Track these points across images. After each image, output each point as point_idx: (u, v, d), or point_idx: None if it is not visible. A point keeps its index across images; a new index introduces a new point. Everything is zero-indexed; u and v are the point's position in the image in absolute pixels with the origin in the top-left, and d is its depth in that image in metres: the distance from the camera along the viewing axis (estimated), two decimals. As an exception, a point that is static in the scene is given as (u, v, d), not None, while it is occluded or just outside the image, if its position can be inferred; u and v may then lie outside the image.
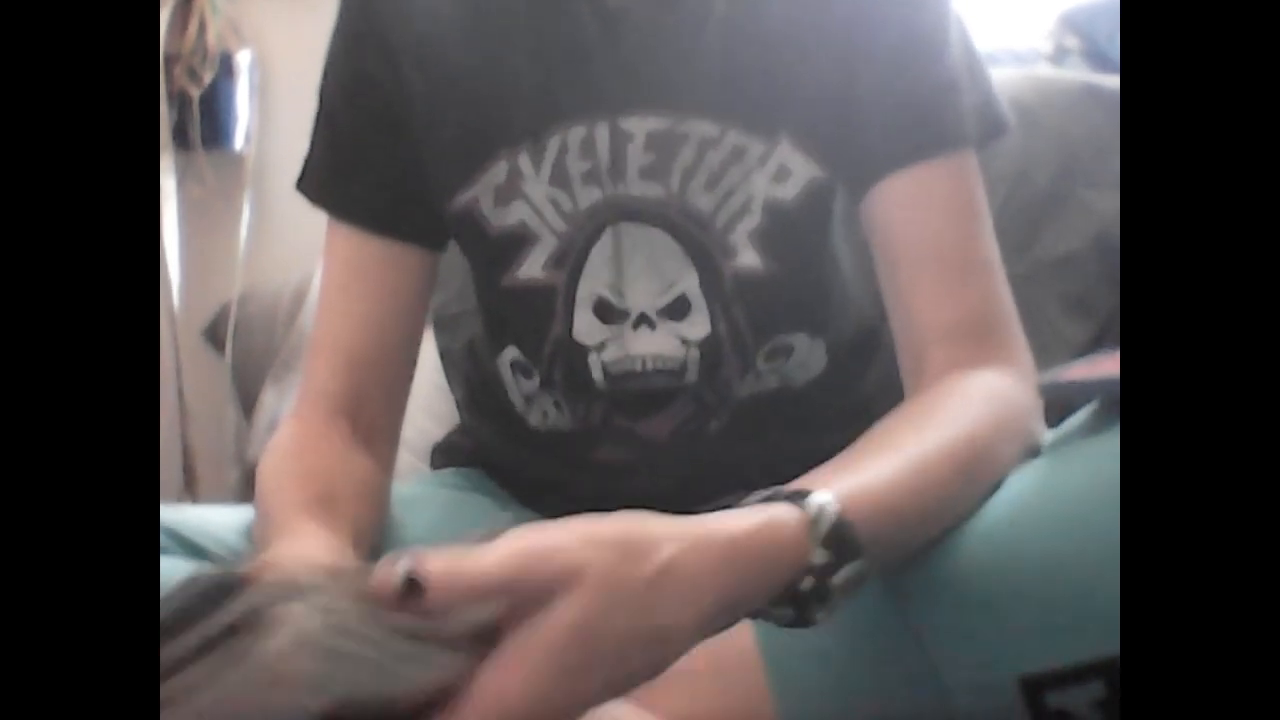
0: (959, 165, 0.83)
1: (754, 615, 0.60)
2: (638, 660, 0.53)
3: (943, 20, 0.84)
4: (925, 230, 0.82)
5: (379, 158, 0.90)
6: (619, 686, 0.54)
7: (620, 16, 0.84)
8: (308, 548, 0.70)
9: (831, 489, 0.60)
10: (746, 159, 0.84)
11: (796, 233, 0.86)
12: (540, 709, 0.50)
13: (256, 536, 0.79)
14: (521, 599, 0.51)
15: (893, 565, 0.65)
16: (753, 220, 0.85)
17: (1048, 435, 0.76)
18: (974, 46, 0.85)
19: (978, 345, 0.79)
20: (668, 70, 0.84)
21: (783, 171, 0.85)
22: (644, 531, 0.54)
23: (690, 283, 0.87)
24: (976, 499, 0.68)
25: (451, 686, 0.50)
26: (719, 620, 0.56)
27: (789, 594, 0.58)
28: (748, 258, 0.86)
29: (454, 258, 0.95)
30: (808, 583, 0.58)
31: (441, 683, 0.50)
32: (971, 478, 0.69)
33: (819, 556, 0.59)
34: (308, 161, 0.93)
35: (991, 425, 0.72)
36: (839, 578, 0.59)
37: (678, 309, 0.87)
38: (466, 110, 0.87)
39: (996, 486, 0.69)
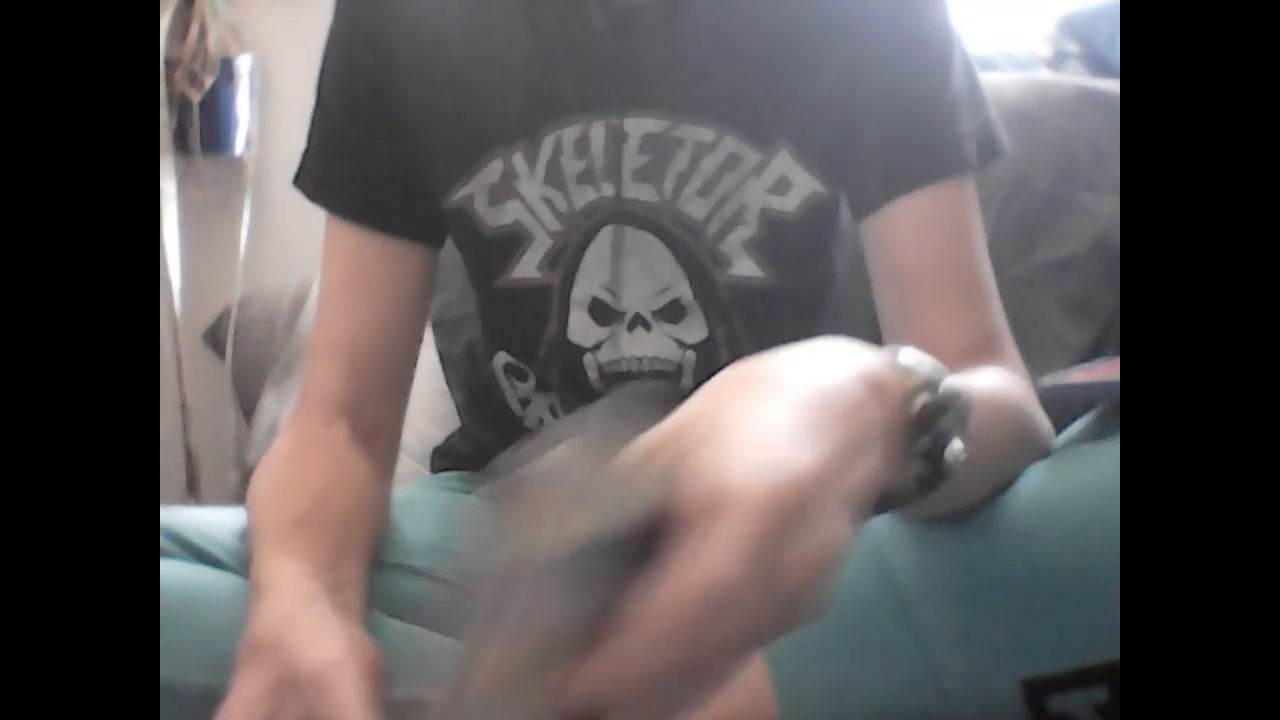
0: (959, 188, 0.83)
1: (886, 499, 0.54)
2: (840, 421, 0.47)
3: (947, 42, 0.84)
4: (931, 255, 0.82)
5: (375, 154, 0.90)
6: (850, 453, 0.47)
7: (626, 15, 0.84)
8: (280, 576, 0.70)
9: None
10: (742, 167, 0.84)
11: (797, 245, 0.86)
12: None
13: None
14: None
15: (940, 504, 0.62)
16: (748, 230, 0.85)
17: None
18: (973, 68, 0.85)
19: (982, 361, 0.79)
20: (668, 72, 0.84)
21: (783, 183, 0.85)
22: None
23: (683, 288, 0.87)
24: (1015, 458, 0.68)
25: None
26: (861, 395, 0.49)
27: (912, 421, 0.53)
28: (745, 267, 0.86)
29: (454, 261, 0.95)
30: (920, 399, 0.53)
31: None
32: (1016, 427, 0.68)
33: (914, 380, 0.54)
34: (305, 158, 0.93)
35: (1023, 394, 0.73)
36: (948, 390, 0.55)
37: (673, 312, 0.87)
38: (461, 108, 0.87)
39: (1017, 474, 0.69)
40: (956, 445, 0.55)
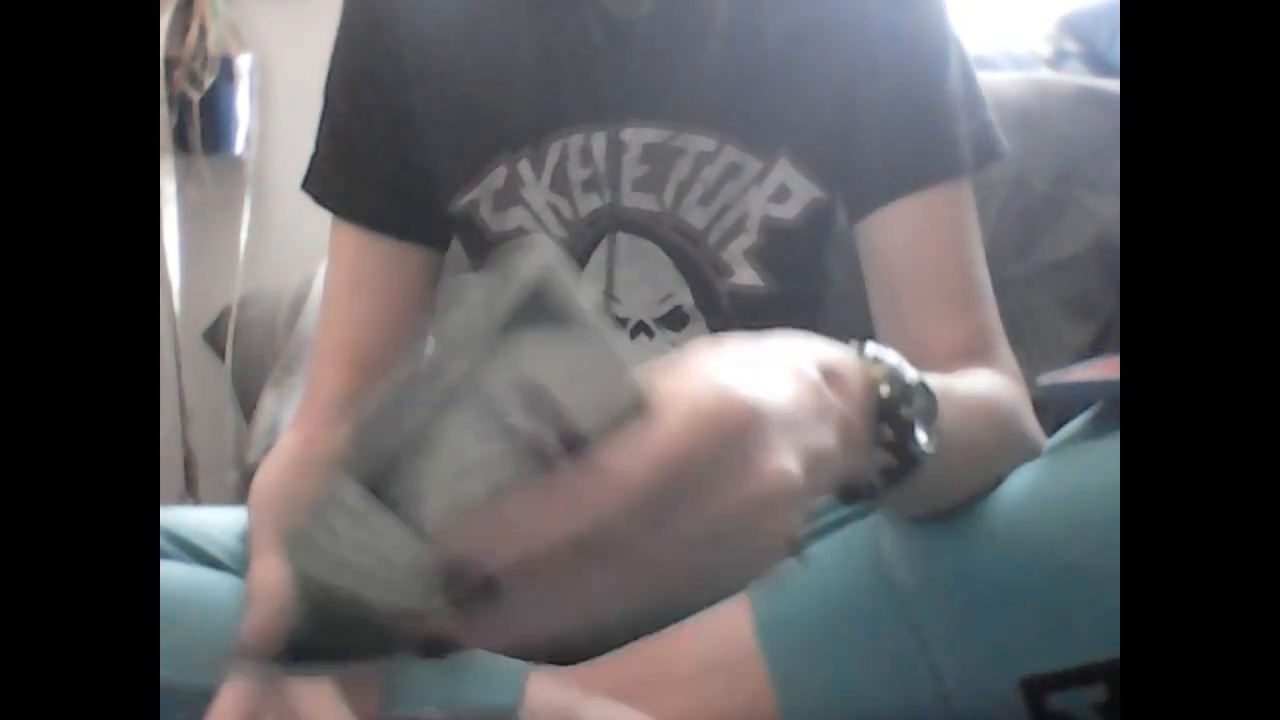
0: (956, 191, 0.83)
1: (849, 490, 0.54)
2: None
3: (944, 44, 0.84)
4: (925, 258, 0.82)
5: (383, 158, 0.90)
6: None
7: (626, 26, 0.84)
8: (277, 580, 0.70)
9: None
10: (743, 175, 0.84)
11: (796, 252, 0.86)
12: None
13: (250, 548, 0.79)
14: None
15: (917, 501, 0.63)
16: (749, 239, 0.85)
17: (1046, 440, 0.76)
18: (972, 70, 0.85)
19: (974, 363, 0.79)
20: (669, 82, 0.84)
21: (782, 191, 0.84)
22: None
23: (684, 296, 0.87)
24: (996, 460, 0.68)
25: None
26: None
27: (874, 410, 0.53)
28: (746, 276, 0.86)
29: (454, 260, 0.95)
30: (883, 388, 0.53)
31: None
32: (997, 428, 0.68)
33: (877, 371, 0.54)
34: (312, 162, 0.93)
35: (1010, 398, 0.72)
36: (912, 382, 0.55)
37: (675, 320, 0.87)
38: (468, 114, 0.87)
39: (1001, 477, 0.69)
40: (922, 436, 0.55)
